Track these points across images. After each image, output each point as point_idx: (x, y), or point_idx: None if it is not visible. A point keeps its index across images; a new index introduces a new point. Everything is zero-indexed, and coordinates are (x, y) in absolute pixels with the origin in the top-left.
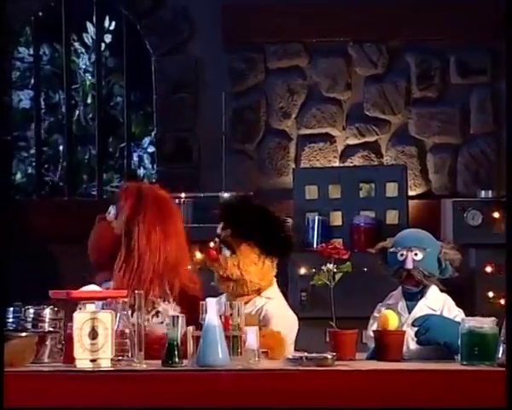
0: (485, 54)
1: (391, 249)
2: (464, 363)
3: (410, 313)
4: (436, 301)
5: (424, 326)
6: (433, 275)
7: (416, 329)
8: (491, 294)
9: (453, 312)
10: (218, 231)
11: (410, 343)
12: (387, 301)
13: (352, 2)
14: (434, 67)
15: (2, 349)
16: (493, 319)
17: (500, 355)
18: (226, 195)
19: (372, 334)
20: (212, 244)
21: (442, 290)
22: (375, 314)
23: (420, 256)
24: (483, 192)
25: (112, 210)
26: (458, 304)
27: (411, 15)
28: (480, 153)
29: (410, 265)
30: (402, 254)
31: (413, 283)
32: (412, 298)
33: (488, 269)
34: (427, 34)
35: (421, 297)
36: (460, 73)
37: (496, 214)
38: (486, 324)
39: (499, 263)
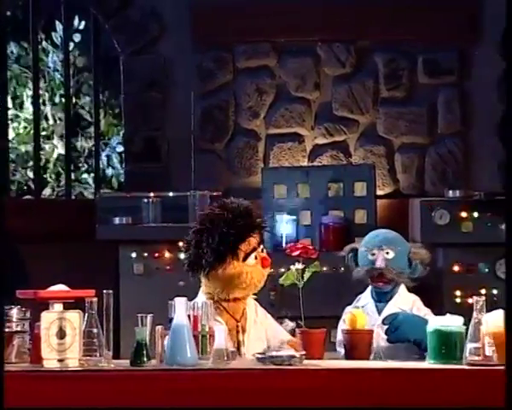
0: (452, 54)
1: (362, 249)
2: (432, 362)
3: (379, 314)
4: (405, 302)
5: (394, 324)
6: (403, 273)
7: (385, 327)
8: (458, 293)
9: (422, 311)
10: (257, 239)
11: (381, 342)
12: (356, 302)
13: (321, 2)
14: (402, 66)
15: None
16: (460, 318)
17: (468, 354)
18: (197, 193)
19: (341, 337)
20: (261, 252)
21: (410, 290)
22: (344, 317)
23: (391, 255)
24: (450, 192)
25: None
26: (426, 303)
27: (379, 15)
28: (448, 153)
29: (381, 263)
30: (373, 254)
31: (384, 281)
32: (382, 299)
33: (455, 268)
34: (395, 34)
35: (391, 298)
36: (428, 72)
37: (463, 214)
38: (454, 323)
39: (467, 262)
